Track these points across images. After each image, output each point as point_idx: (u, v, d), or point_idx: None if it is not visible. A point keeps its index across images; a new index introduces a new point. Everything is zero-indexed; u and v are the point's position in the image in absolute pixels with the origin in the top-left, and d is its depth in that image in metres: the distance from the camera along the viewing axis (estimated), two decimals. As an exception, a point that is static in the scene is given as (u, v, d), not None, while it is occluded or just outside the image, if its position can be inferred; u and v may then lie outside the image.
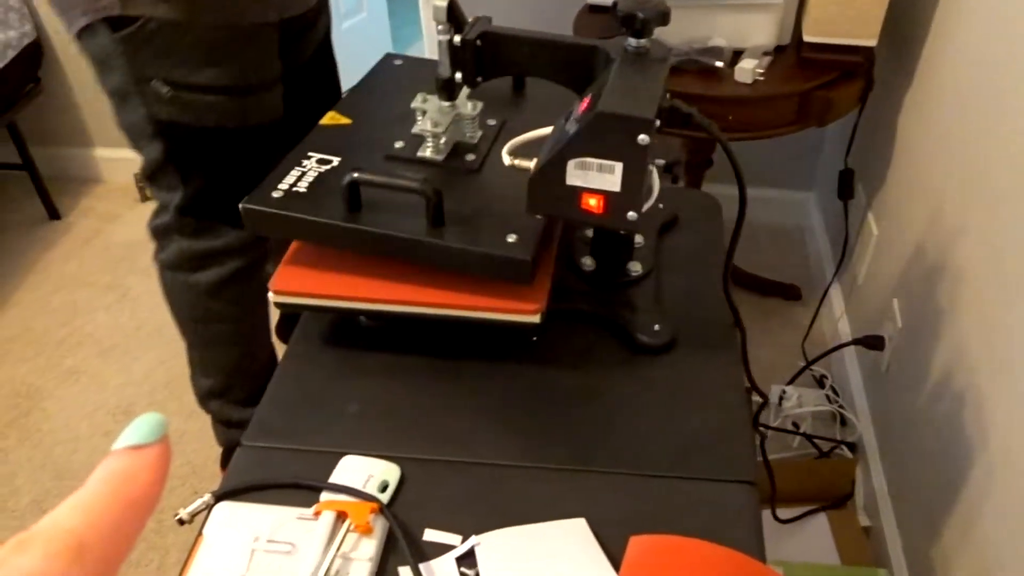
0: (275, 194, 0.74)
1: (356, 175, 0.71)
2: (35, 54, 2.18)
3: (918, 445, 1.32)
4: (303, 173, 0.77)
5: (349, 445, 0.70)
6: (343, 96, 0.88)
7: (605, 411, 0.74)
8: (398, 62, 0.95)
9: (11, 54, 2.07)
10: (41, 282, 2.16)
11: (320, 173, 0.77)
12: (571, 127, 0.66)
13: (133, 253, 2.26)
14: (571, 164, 0.65)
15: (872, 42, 1.42)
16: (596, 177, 0.65)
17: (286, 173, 0.76)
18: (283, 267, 0.76)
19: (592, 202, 0.67)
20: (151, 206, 2.41)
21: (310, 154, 0.79)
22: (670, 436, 0.72)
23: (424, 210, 0.71)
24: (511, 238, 0.70)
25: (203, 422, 1.76)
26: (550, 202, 0.68)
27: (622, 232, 0.83)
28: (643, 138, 0.62)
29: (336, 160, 0.78)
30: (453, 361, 0.78)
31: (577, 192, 0.67)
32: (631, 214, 0.67)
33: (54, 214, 2.38)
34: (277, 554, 0.60)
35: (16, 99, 2.15)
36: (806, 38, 1.44)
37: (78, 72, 2.34)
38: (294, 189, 0.74)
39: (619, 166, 0.64)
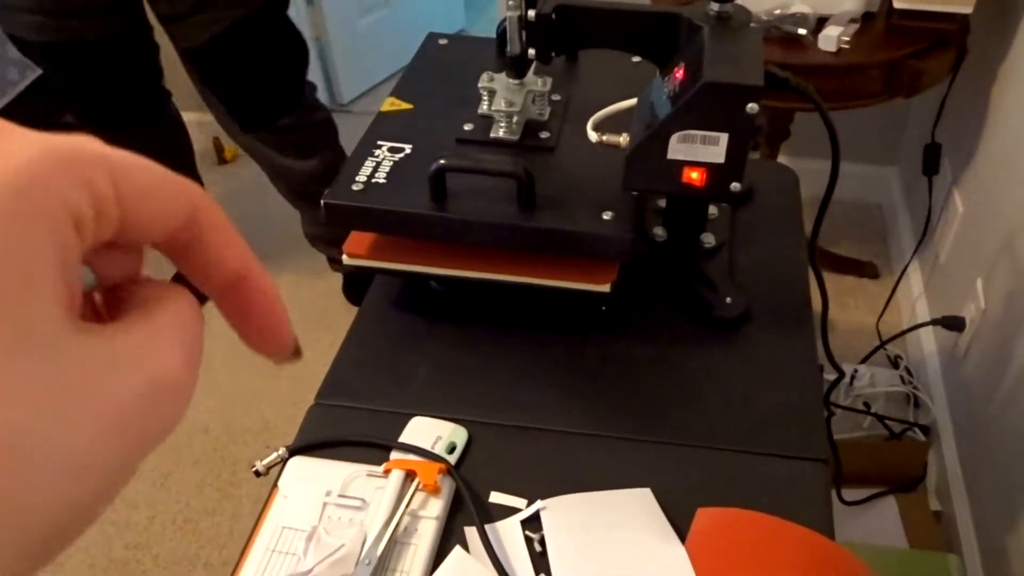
0: (355, 187, 0.72)
1: (444, 161, 0.69)
2: (122, 18, 2.24)
3: (996, 431, 1.28)
4: (378, 163, 0.75)
5: (418, 407, 0.72)
6: (398, 81, 0.87)
7: (674, 383, 0.74)
8: (443, 41, 0.93)
9: (99, 18, 2.13)
10: (125, 240, 2.25)
11: (396, 162, 0.75)
12: (667, 100, 0.65)
13: (211, 214, 2.33)
14: (674, 138, 0.64)
15: (968, 9, 1.35)
16: (700, 149, 0.64)
17: (360, 164, 0.75)
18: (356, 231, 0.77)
19: (694, 175, 0.66)
20: (229, 168, 2.48)
21: (380, 143, 0.78)
22: (740, 410, 0.71)
23: (510, 193, 0.70)
24: (607, 215, 0.70)
25: (277, 382, 1.82)
26: (649, 177, 0.68)
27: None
28: (752, 107, 0.61)
29: (408, 147, 0.77)
30: (522, 329, 0.79)
31: (678, 166, 0.66)
32: (734, 185, 0.66)
33: (137, 174, 2.46)
34: (348, 508, 0.62)
35: (104, 62, 2.22)
36: (897, 4, 1.38)
37: (160, 37, 2.39)
38: (373, 180, 0.73)
39: (724, 137, 0.63)
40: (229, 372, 1.84)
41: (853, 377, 1.63)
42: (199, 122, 2.55)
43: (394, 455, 0.66)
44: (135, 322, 0.20)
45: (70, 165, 0.18)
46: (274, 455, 0.68)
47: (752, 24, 0.70)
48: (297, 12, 2.45)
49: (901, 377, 1.65)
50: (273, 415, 1.75)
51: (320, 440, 0.69)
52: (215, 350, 1.92)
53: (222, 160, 2.50)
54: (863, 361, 1.67)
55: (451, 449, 0.67)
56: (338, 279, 2.06)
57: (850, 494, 1.40)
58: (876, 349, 1.60)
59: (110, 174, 0.19)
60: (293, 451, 0.68)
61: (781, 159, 2.12)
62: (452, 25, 3.11)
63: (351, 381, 0.75)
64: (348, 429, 0.70)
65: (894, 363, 1.71)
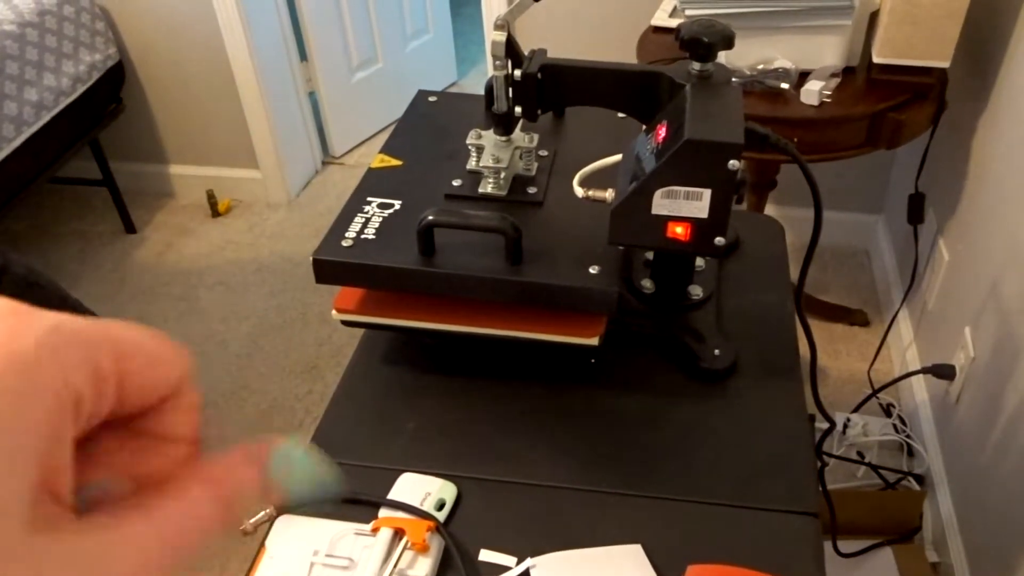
0: (345, 243, 0.73)
1: (432, 217, 0.70)
2: (118, 75, 2.28)
3: (990, 479, 1.27)
4: (367, 219, 0.76)
5: (407, 462, 0.71)
6: (388, 137, 0.88)
7: (663, 436, 0.74)
8: (432, 98, 0.95)
9: (96, 75, 2.17)
10: (117, 293, 2.24)
11: (385, 218, 0.76)
12: (651, 156, 0.66)
13: (202, 266, 2.33)
14: (658, 194, 0.65)
15: (945, 63, 1.38)
16: (683, 205, 0.65)
17: (350, 221, 0.76)
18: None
19: (678, 230, 0.67)
20: (222, 221, 2.50)
21: (369, 199, 0.79)
22: (730, 463, 0.71)
23: (498, 247, 0.71)
24: (594, 269, 0.70)
25: (265, 434, 1.80)
26: (634, 232, 0.68)
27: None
28: (733, 163, 0.63)
29: (397, 203, 0.78)
30: (511, 381, 0.79)
31: (663, 221, 0.67)
32: (718, 240, 0.67)
33: (131, 228, 2.47)
34: (336, 568, 0.61)
35: (99, 118, 2.25)
36: (876, 59, 1.41)
37: (157, 92, 2.44)
38: (363, 236, 0.74)
39: (707, 193, 0.64)
40: (217, 425, 1.83)
41: (846, 426, 1.63)
42: (192, 175, 2.58)
43: (382, 512, 0.66)
44: (107, 525, 0.19)
45: (75, 347, 0.19)
46: (262, 513, 0.67)
47: (734, 80, 0.72)
48: (291, 67, 2.49)
49: (894, 426, 1.65)
50: (263, 469, 1.72)
51: (308, 498, 0.68)
52: (204, 403, 1.90)
53: (215, 213, 2.52)
54: (855, 410, 1.67)
55: (440, 506, 0.66)
56: (328, 328, 2.06)
57: (846, 545, 1.39)
58: (868, 398, 1.60)
59: (114, 354, 0.20)
60: (281, 509, 0.68)
61: (768, 208, 2.15)
62: (443, 79, 3.16)
63: (340, 437, 0.75)
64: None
65: (887, 411, 1.71)
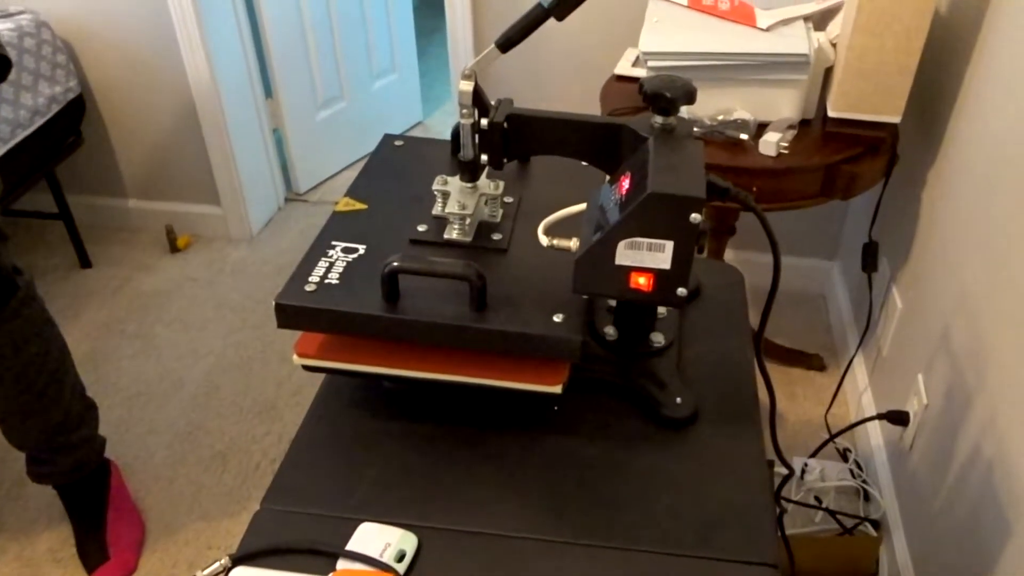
0: (308, 288, 0.73)
1: (396, 263, 0.70)
2: (78, 108, 2.25)
3: (945, 524, 1.29)
4: (331, 264, 0.76)
5: (367, 511, 0.70)
6: (353, 181, 0.89)
7: (624, 484, 0.74)
8: (398, 143, 0.96)
9: (55, 108, 2.14)
10: (71, 329, 2.19)
11: (349, 263, 0.76)
12: (615, 207, 0.67)
13: (160, 302, 2.29)
14: (621, 245, 0.66)
15: (896, 118, 1.43)
16: (646, 256, 0.67)
17: (314, 265, 0.76)
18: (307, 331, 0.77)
19: (641, 280, 0.68)
20: (180, 257, 2.46)
21: (334, 243, 0.79)
22: (689, 512, 0.71)
23: (463, 294, 0.71)
24: (558, 318, 0.71)
25: (219, 476, 1.76)
26: (597, 282, 0.69)
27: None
28: (695, 216, 0.64)
29: (362, 248, 0.78)
30: (473, 429, 0.78)
31: (626, 271, 0.68)
32: (680, 290, 0.68)
33: (86, 262, 2.43)
34: (291, 622, 0.60)
35: (57, 151, 2.21)
36: (831, 113, 1.46)
37: (118, 126, 2.41)
38: (326, 281, 0.74)
39: (670, 245, 0.66)
40: (169, 467, 1.78)
41: (804, 471, 1.65)
42: (151, 210, 2.54)
43: (341, 564, 0.64)
44: None
45: None
46: (215, 565, 0.66)
47: (695, 129, 0.74)
48: (256, 103, 2.49)
49: (851, 471, 1.67)
50: (215, 512, 1.68)
51: (264, 548, 0.67)
52: (157, 444, 1.86)
53: (174, 248, 2.48)
54: (813, 455, 1.69)
55: (400, 557, 0.65)
56: (288, 368, 2.03)
57: (805, 591, 1.39)
58: (825, 443, 1.62)
59: None
60: (236, 560, 0.66)
61: (728, 253, 2.19)
62: (409, 119, 3.18)
63: (299, 484, 0.74)
64: (295, 535, 0.68)
65: (843, 456, 1.73)
